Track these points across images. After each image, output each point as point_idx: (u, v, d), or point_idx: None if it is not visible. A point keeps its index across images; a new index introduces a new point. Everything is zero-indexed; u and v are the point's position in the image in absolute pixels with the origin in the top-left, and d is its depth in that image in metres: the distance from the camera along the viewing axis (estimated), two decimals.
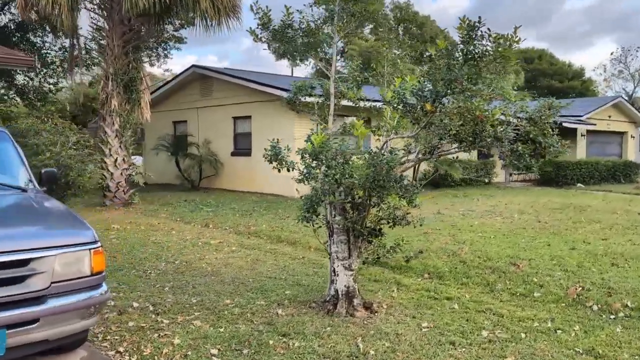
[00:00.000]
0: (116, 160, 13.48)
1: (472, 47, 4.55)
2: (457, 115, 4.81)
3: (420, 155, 5.40)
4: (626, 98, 28.84)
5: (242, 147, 17.90)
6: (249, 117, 17.45)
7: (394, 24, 53.75)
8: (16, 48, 17.45)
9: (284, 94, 15.65)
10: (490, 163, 20.74)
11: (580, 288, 6.53)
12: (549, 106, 5.24)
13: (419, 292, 6.48)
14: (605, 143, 28.52)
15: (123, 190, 13.61)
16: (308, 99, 6.45)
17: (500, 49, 4.60)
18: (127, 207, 13.41)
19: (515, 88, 33.07)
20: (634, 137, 29.78)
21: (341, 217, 5.29)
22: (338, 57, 7.41)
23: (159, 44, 14.59)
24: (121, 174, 13.56)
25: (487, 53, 4.59)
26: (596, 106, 25.94)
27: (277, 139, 5.32)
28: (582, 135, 25.52)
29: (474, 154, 22.11)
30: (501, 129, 4.91)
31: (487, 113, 4.78)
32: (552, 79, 47.60)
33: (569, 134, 25.27)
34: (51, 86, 22.20)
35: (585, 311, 5.89)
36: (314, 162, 4.53)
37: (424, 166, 18.28)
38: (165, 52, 22.75)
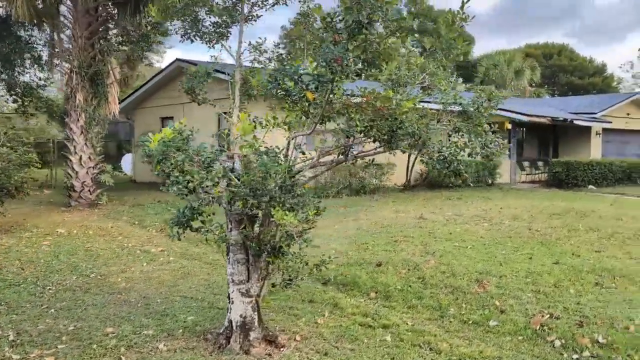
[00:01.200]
0: (81, 158, 12.69)
1: (358, 16, 3.45)
2: (366, 108, 3.79)
3: (333, 157, 4.39)
4: None
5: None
6: None
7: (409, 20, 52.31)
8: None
9: None
10: (492, 163, 19.49)
11: (548, 316, 5.45)
12: (488, 96, 4.17)
13: (354, 317, 5.48)
14: (624, 142, 26.91)
15: (89, 190, 12.82)
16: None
17: (395, 20, 3.56)
18: (93, 208, 12.63)
19: (532, 84, 31.51)
20: None
21: (237, 231, 4.32)
22: None
23: (141, 37, 13.74)
24: (87, 172, 12.77)
25: (375, 21, 3.52)
26: (612, 103, 24.41)
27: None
28: (597, 134, 24.02)
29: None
30: (422, 125, 3.87)
31: (392, 105, 3.75)
32: (572, 75, 45.72)
33: (583, 133, 23.88)
34: (42, 81, 21.60)
35: (544, 348, 4.82)
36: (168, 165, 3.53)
37: (420, 166, 17.20)
38: (159, 46, 21.95)
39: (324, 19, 3.51)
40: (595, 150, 24.02)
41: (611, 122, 23.52)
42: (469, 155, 4.35)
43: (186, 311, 5.43)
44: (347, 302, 5.94)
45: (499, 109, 16.82)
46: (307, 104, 3.69)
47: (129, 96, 20.85)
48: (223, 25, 4.96)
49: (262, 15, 5.10)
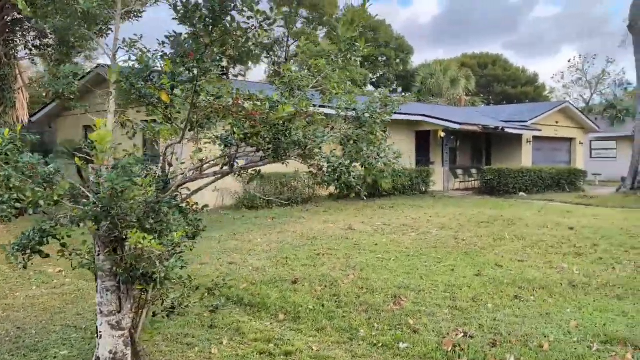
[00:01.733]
0: None
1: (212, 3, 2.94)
2: (236, 113, 3.32)
3: (217, 169, 3.90)
4: (573, 104, 28.13)
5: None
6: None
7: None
8: None
9: None
10: (426, 171, 19.50)
11: (462, 335, 5.14)
12: (385, 101, 3.80)
13: (255, 343, 4.98)
14: (554, 150, 27.74)
15: None
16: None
17: (254, 9, 3.11)
18: None
19: (468, 93, 32.08)
20: (582, 143, 29.11)
21: (105, 255, 3.76)
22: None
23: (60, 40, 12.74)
24: None
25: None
26: (542, 111, 25.09)
27: None
28: (527, 142, 24.60)
29: (412, 160, 20.95)
30: (309, 133, 3.45)
31: (265, 109, 3.30)
32: (505, 85, 47.14)
33: (515, 141, 24.39)
34: None
35: None
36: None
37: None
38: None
39: (176, 8, 3.02)
40: (526, 158, 24.58)
41: (541, 130, 24.15)
42: (362, 165, 3.97)
43: (61, 344, 4.78)
44: (251, 326, 5.44)
45: (433, 117, 16.76)
46: (165, 107, 3.20)
47: (49, 103, 19.63)
48: (99, 22, 4.38)
49: (145, 11, 4.57)
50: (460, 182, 22.67)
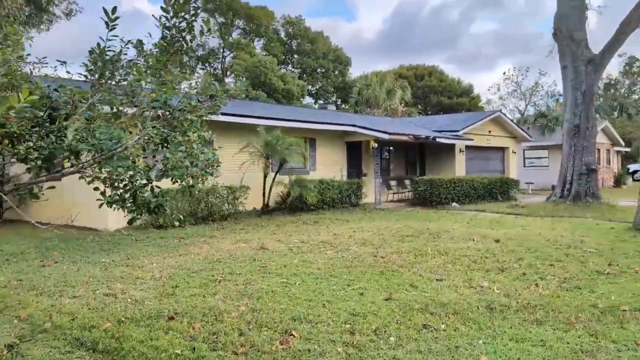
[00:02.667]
0: None
1: None
2: None
3: None
4: (504, 114, 28.30)
5: None
6: None
7: (286, 39, 52.03)
8: None
9: None
10: (356, 183, 18.79)
11: None
12: (206, 92, 2.87)
13: None
14: (487, 159, 27.80)
15: None
16: None
17: None
18: None
19: (405, 104, 31.79)
20: (515, 152, 29.35)
21: None
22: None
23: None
24: None
25: None
26: (474, 121, 25.03)
27: None
28: (460, 151, 24.44)
29: (344, 172, 20.22)
30: (91, 135, 2.47)
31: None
32: (441, 95, 47.62)
33: (448, 150, 24.15)
34: None
35: None
36: None
37: (279, 188, 15.98)
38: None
39: None
40: (459, 167, 24.39)
41: (473, 140, 24.02)
42: (173, 180, 3.02)
43: None
44: None
45: (363, 127, 16.05)
46: None
47: None
48: None
49: None
50: (394, 193, 22.14)
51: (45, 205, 14.02)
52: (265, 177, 15.06)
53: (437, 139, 21.61)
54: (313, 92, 55.11)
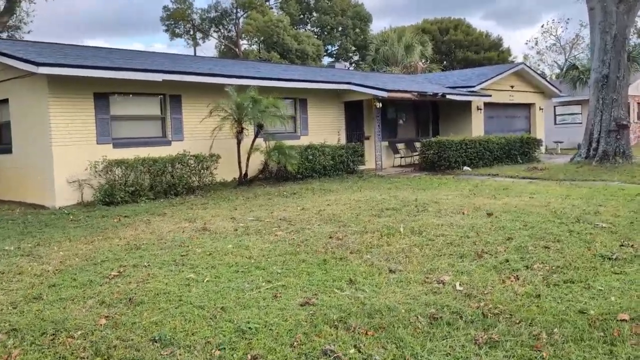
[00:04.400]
0: None
1: None
2: None
3: None
4: (529, 66, 25.73)
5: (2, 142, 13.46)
6: (5, 100, 12.97)
7: None
8: None
9: (34, 68, 11.42)
10: (352, 147, 16.95)
11: None
12: None
13: None
14: (510, 117, 25.45)
15: None
16: None
17: None
18: None
19: (426, 60, 29.51)
20: (542, 109, 26.81)
21: None
22: None
23: None
24: None
25: None
26: (492, 75, 22.65)
27: None
28: (478, 109, 22.21)
29: (342, 135, 18.42)
30: None
31: None
32: (468, 50, 44.59)
33: (464, 109, 21.98)
34: None
35: None
36: None
37: (260, 157, 14.35)
38: None
39: None
40: (477, 127, 22.24)
41: (491, 96, 21.74)
42: None
43: None
44: None
45: (358, 84, 14.25)
46: None
47: None
48: None
49: None
50: (402, 157, 20.24)
51: (8, 179, 12.84)
52: (238, 143, 13.43)
53: (448, 96, 19.49)
54: (334, 52, 52.76)
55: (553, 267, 5.88)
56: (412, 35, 35.67)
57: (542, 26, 71.91)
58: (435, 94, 18.62)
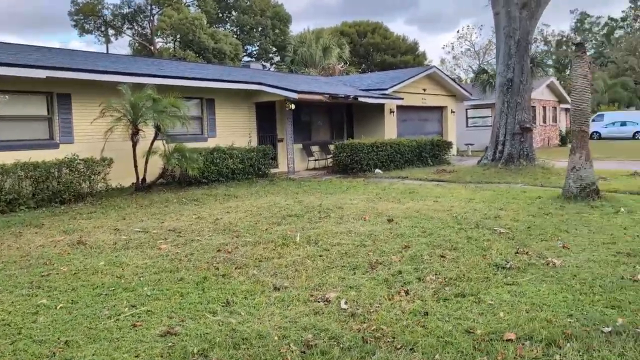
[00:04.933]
0: None
1: None
2: None
3: None
4: (440, 69, 26.22)
5: None
6: None
7: None
8: None
9: None
10: (262, 150, 16.35)
11: None
12: None
13: None
14: (423, 120, 25.80)
15: None
16: None
17: None
18: None
19: (344, 63, 29.21)
20: (454, 112, 27.42)
21: None
22: None
23: None
24: None
25: None
26: (404, 78, 22.80)
27: None
28: (391, 112, 22.27)
29: (254, 137, 17.78)
30: None
31: None
32: (385, 54, 45.18)
33: (377, 111, 21.96)
34: None
35: None
36: None
37: (160, 162, 13.40)
38: None
39: None
40: (390, 130, 22.28)
41: (403, 99, 21.85)
42: None
43: None
44: None
45: (268, 85, 13.60)
46: None
47: None
48: None
49: None
50: (316, 160, 19.88)
51: None
52: (134, 146, 12.47)
53: (360, 99, 19.34)
54: (254, 52, 51.94)
55: (446, 279, 5.58)
56: (330, 37, 35.56)
57: (458, 32, 74.64)
58: (347, 96, 18.39)
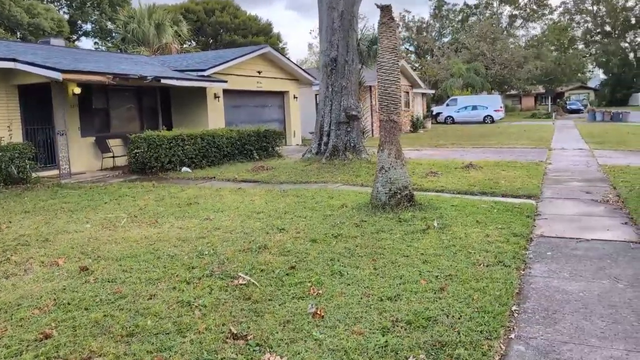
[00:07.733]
0: None
1: None
2: None
3: None
4: (276, 50, 23.59)
5: None
6: None
7: None
8: None
9: None
10: (19, 149, 12.48)
11: None
12: None
13: None
14: (260, 106, 23.04)
15: None
16: None
17: None
18: None
19: (183, 42, 24.70)
20: (296, 97, 24.99)
21: None
22: None
23: None
24: None
25: None
26: (231, 58, 19.79)
27: None
28: (216, 97, 19.17)
29: (19, 130, 13.81)
30: None
31: None
32: (235, 34, 41.88)
33: (199, 97, 18.76)
34: None
35: None
36: None
37: None
38: None
39: None
40: (216, 118, 19.20)
41: (227, 82, 18.85)
42: None
43: None
44: None
45: (27, 63, 9.16)
46: None
47: None
48: None
49: None
50: (114, 157, 16.23)
51: None
52: None
53: (165, 81, 16.01)
54: (89, 30, 45.98)
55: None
56: (164, 13, 31.49)
57: None
58: (144, 77, 14.96)
